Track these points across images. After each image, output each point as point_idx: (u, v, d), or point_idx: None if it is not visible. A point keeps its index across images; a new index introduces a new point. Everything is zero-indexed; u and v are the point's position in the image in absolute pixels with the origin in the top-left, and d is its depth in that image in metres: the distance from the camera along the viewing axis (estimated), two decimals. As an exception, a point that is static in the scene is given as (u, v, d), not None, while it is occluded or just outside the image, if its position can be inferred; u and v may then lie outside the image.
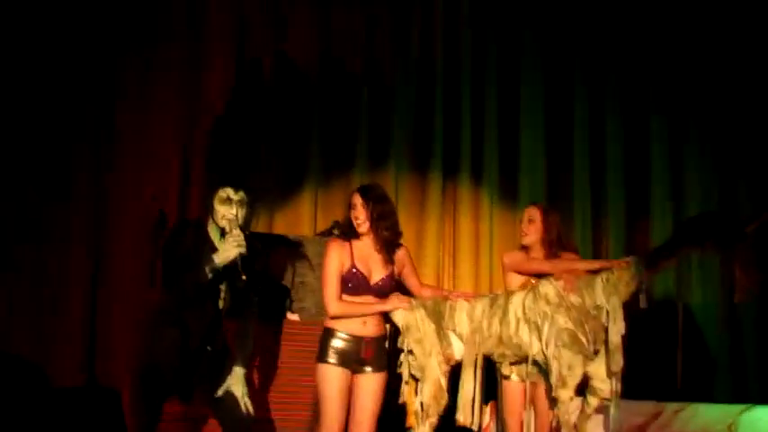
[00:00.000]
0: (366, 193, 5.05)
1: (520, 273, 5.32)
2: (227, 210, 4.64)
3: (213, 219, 4.73)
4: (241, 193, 4.69)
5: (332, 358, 4.91)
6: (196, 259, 4.56)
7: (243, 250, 4.53)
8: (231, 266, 4.61)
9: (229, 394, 4.80)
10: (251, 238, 4.79)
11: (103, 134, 6.95)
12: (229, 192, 4.66)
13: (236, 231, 4.59)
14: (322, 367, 4.94)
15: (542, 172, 7.74)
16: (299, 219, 7.55)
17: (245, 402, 4.78)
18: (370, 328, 4.96)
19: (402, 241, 5.21)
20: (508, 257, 5.38)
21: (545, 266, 5.20)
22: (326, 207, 7.54)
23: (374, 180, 6.76)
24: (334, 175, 7.60)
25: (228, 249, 4.53)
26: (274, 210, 7.53)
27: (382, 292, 5.00)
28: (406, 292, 5.21)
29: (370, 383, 4.97)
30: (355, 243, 5.00)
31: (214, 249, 4.66)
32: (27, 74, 6.90)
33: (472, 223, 7.65)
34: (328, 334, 4.98)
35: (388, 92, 7.80)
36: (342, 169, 7.61)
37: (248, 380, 4.93)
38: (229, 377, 4.80)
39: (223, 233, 4.71)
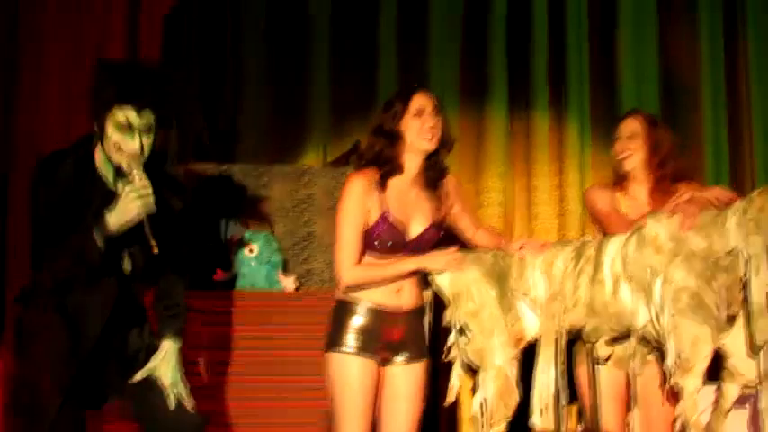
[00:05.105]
0: (433, 94, 4.00)
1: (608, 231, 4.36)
2: (127, 141, 3.41)
3: (105, 148, 3.49)
4: (148, 116, 3.42)
5: (349, 344, 3.87)
6: (77, 215, 3.39)
7: (149, 209, 3.36)
8: (135, 230, 3.42)
9: (152, 383, 3.57)
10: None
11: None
12: (129, 114, 3.40)
13: (139, 175, 3.37)
14: (335, 358, 3.89)
15: (655, 84, 6.37)
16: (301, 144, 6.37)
17: (180, 391, 3.58)
18: (406, 296, 3.93)
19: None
20: (594, 198, 4.49)
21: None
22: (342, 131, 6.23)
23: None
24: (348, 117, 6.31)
25: (126, 206, 3.34)
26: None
27: (419, 250, 3.95)
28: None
29: (407, 378, 3.97)
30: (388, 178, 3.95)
31: (106, 194, 3.46)
32: None
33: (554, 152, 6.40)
34: (343, 309, 3.93)
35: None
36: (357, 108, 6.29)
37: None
38: (154, 356, 3.59)
39: (119, 173, 3.50)
